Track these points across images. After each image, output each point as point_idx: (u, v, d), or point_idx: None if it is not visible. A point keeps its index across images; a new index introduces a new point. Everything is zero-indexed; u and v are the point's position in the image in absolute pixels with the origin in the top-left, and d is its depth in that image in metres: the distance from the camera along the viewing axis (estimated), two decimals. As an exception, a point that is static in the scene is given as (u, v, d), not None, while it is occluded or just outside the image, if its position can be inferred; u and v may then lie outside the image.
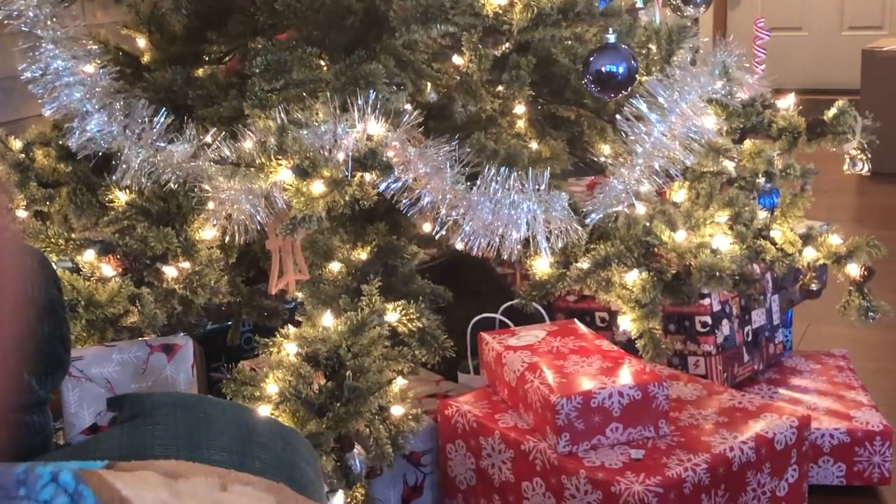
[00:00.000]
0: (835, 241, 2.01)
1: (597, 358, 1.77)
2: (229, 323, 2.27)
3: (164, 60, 2.25)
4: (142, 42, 2.38)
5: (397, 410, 1.70)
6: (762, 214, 2.04)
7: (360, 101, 1.70)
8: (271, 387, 1.67)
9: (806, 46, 6.10)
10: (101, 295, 1.71)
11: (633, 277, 1.75)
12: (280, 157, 1.64)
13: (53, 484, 0.89)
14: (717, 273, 1.69)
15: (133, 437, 1.09)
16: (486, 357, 1.91)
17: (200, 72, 2.25)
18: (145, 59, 2.33)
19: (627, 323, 1.76)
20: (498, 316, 2.04)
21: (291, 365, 1.69)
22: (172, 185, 1.79)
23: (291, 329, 1.85)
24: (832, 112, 1.91)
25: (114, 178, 1.84)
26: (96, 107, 1.89)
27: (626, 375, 1.70)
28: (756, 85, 1.98)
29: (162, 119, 1.86)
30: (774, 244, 1.97)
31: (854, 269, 1.95)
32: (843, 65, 5.86)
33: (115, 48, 2.31)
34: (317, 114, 1.77)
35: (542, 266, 1.88)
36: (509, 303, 2.08)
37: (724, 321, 2.14)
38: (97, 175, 1.96)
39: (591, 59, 1.61)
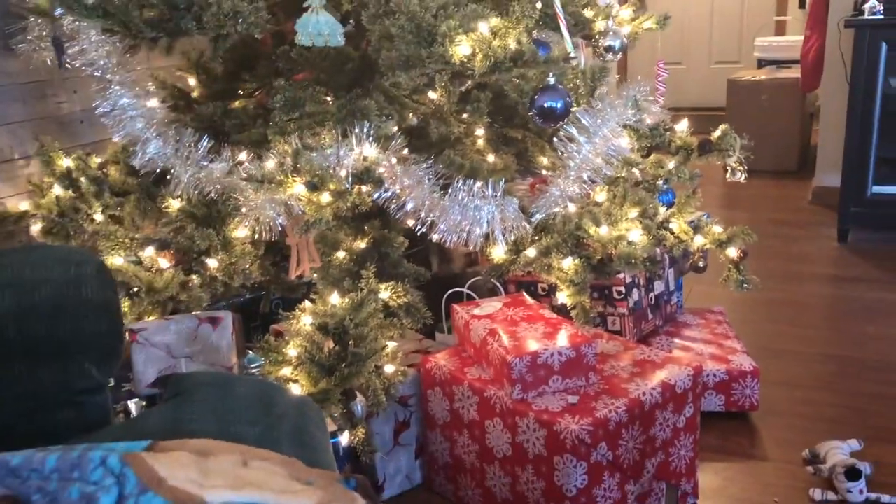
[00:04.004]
0: (717, 229, 1.89)
1: (541, 325, 1.65)
2: (263, 293, 2.13)
3: (209, 95, 2.10)
4: (192, 81, 2.22)
5: (389, 368, 1.58)
6: (663, 210, 1.92)
7: (357, 130, 1.56)
8: (292, 351, 1.55)
9: (685, 76, 5.96)
10: (159, 283, 1.58)
11: (568, 263, 1.63)
12: (295, 175, 1.50)
13: (102, 467, 0.77)
14: (633, 260, 1.57)
15: (175, 412, 0.97)
16: (456, 323, 1.78)
17: (238, 103, 2.10)
18: (195, 94, 2.17)
19: (563, 297, 1.63)
20: (466, 290, 1.91)
21: (307, 333, 1.56)
22: (213, 196, 1.66)
23: (307, 304, 1.73)
24: (717, 133, 1.79)
25: (169, 189, 1.70)
26: (154, 134, 1.74)
27: (563, 339, 1.58)
28: (658, 112, 1.85)
29: (205, 143, 1.71)
30: (672, 233, 1.85)
31: (733, 252, 1.83)
32: (712, 90, 5.74)
33: (172, 86, 2.15)
34: (324, 139, 1.63)
35: (498, 253, 1.75)
36: (474, 279, 1.96)
37: (634, 290, 2.03)
38: (156, 187, 1.82)
39: (536, 97, 1.47)
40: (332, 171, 1.54)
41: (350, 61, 1.81)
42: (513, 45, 1.46)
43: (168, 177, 1.72)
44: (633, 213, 1.86)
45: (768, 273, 2.89)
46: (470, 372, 1.65)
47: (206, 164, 1.70)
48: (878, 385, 2.14)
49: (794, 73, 4.33)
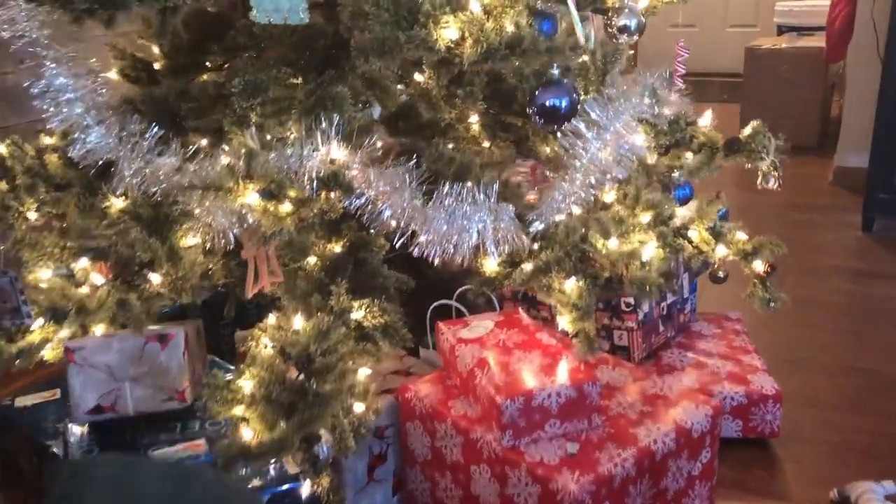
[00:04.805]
0: (741, 237, 1.65)
1: (538, 353, 1.41)
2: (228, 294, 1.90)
3: (173, 68, 1.84)
4: (156, 49, 1.96)
5: (359, 407, 1.35)
6: (680, 212, 1.67)
7: (324, 125, 1.31)
8: (247, 383, 1.32)
9: (698, 39, 5.63)
10: (92, 303, 1.34)
11: (571, 285, 1.39)
12: (248, 181, 1.25)
13: None
14: (647, 287, 1.33)
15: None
16: (442, 345, 1.55)
17: (202, 78, 1.83)
18: (157, 65, 1.91)
19: (565, 322, 1.40)
20: (454, 303, 1.67)
21: (266, 360, 1.33)
22: (158, 197, 1.41)
23: (271, 319, 1.50)
24: (747, 131, 1.53)
25: (111, 186, 1.46)
26: (96, 120, 1.49)
27: (563, 374, 1.34)
28: (678, 102, 1.59)
29: (153, 133, 1.46)
30: (691, 242, 1.60)
31: (759, 265, 1.59)
32: (726, 55, 5.43)
33: (131, 55, 1.89)
34: (288, 133, 1.39)
35: (490, 265, 1.52)
36: (463, 288, 1.72)
37: (644, 301, 1.79)
38: (99, 180, 1.57)
39: (537, 93, 1.22)
40: (293, 175, 1.29)
41: (323, 37, 1.55)
42: (510, 27, 1.21)
43: (112, 170, 1.48)
44: (647, 216, 1.62)
45: (787, 267, 2.63)
46: (455, 407, 1.42)
47: (153, 157, 1.45)
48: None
49: (817, 41, 4.02)
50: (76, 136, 1.48)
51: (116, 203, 1.49)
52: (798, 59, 3.97)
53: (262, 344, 1.40)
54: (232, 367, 1.82)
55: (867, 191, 2.99)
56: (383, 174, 1.34)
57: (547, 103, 1.21)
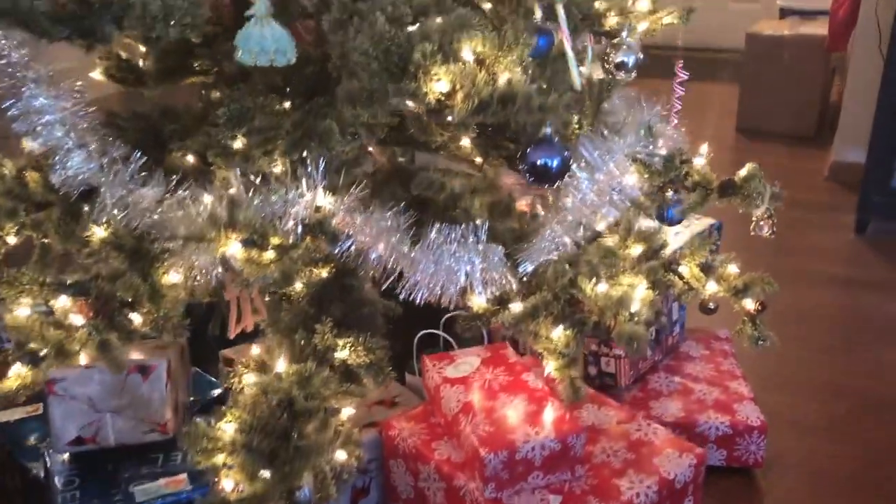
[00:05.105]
0: (733, 270, 1.62)
1: (523, 398, 1.40)
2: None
3: (160, 70, 1.78)
4: (143, 48, 1.89)
5: (341, 455, 1.34)
6: (673, 239, 1.65)
7: (310, 169, 1.28)
8: (229, 426, 1.30)
9: (697, 13, 5.52)
10: (71, 344, 1.31)
11: (559, 333, 1.37)
12: (230, 231, 1.22)
13: None
14: (635, 343, 1.31)
15: None
16: (427, 382, 1.53)
17: (193, 80, 1.77)
18: (144, 65, 1.85)
19: (551, 368, 1.38)
20: (441, 333, 1.65)
21: (249, 402, 1.32)
22: (140, 230, 1.37)
23: (254, 349, 1.48)
24: (743, 173, 1.50)
25: (93, 213, 1.42)
26: (77, 143, 1.44)
27: (547, 425, 1.33)
28: (674, 136, 1.55)
29: (136, 158, 1.42)
30: (682, 278, 1.58)
31: (749, 304, 1.57)
32: (726, 31, 5.33)
33: (116, 55, 1.83)
34: (275, 164, 1.35)
35: (479, 301, 1.49)
36: (451, 313, 1.70)
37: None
38: (82, 203, 1.52)
39: (528, 151, 1.19)
40: (277, 221, 1.26)
41: (310, 63, 1.50)
42: (503, 81, 1.17)
43: (96, 195, 1.44)
44: (638, 248, 1.59)
45: (775, 272, 2.60)
46: (439, 449, 1.41)
47: (136, 186, 1.41)
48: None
49: (820, 27, 3.95)
50: (56, 160, 1.45)
51: (98, 232, 1.46)
52: (799, 46, 3.90)
53: (245, 382, 1.38)
54: (216, 381, 1.81)
55: (862, 193, 2.97)
56: (370, 219, 1.31)
57: (538, 162, 1.17)
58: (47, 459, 1.51)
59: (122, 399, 1.48)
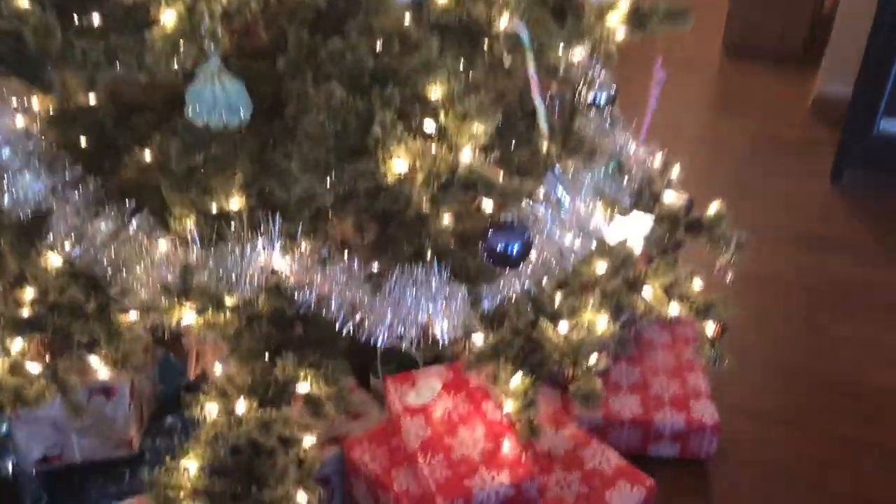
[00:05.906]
0: (697, 285, 1.62)
1: (481, 431, 1.43)
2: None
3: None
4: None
5: (302, 498, 1.37)
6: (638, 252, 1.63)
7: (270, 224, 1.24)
8: (192, 464, 1.32)
9: None
10: (29, 391, 1.31)
11: (517, 381, 1.38)
12: (183, 299, 1.19)
13: None
14: (592, 402, 1.33)
15: None
16: (389, 405, 1.55)
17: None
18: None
19: (508, 407, 1.40)
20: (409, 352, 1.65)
21: (210, 441, 1.34)
22: (95, 263, 1.34)
23: (217, 370, 1.48)
24: (710, 213, 1.46)
25: (45, 240, 1.38)
26: (25, 163, 1.38)
27: (503, 468, 1.37)
28: (642, 154, 1.49)
29: (88, 185, 1.37)
30: (645, 301, 1.58)
31: (710, 328, 1.58)
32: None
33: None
34: (232, 198, 1.31)
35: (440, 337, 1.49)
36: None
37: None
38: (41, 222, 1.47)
39: (489, 233, 1.14)
40: (232, 281, 1.23)
41: (266, 82, 1.42)
42: (464, 161, 1.11)
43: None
44: (603, 265, 1.58)
45: (740, 222, 2.62)
46: (398, 479, 1.45)
47: (88, 216, 1.36)
48: (850, 422, 1.97)
49: (818, -61, 3.74)
50: (4, 182, 1.39)
51: (53, 260, 1.42)
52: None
53: (207, 411, 1.40)
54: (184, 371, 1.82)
55: (843, 137, 2.91)
56: (328, 273, 1.29)
57: (497, 247, 1.13)
58: (15, 470, 1.54)
59: (85, 420, 1.50)
